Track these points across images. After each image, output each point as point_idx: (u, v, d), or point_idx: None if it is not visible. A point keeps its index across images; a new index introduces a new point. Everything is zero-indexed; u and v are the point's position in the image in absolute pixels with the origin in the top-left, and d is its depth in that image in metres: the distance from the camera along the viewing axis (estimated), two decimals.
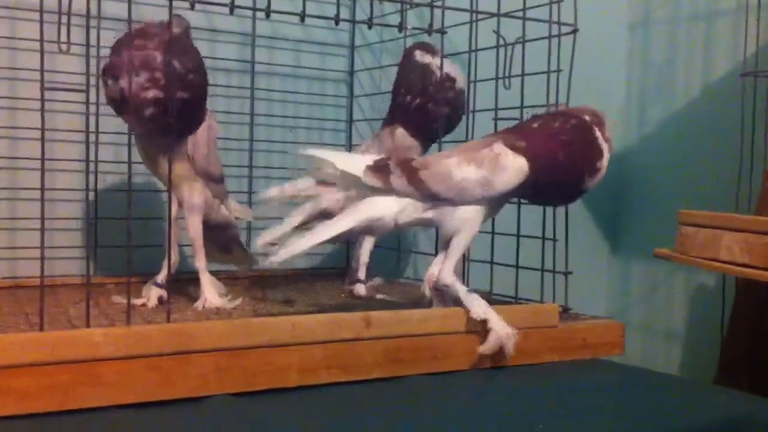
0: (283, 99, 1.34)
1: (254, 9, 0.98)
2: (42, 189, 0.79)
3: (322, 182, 1.18)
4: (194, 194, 1.03)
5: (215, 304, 1.01)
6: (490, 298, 1.07)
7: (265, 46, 1.31)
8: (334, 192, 0.96)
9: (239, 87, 1.29)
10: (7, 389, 0.72)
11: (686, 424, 0.85)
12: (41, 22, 0.77)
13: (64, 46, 0.81)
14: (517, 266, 1.08)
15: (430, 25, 1.04)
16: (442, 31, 1.03)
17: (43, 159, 0.78)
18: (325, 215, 0.97)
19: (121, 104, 0.93)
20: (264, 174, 1.31)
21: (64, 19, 0.81)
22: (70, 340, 0.75)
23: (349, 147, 1.39)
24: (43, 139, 0.78)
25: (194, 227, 1.03)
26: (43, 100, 0.77)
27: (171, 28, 0.91)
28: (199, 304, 1.01)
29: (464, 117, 1.13)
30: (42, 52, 0.77)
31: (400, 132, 1.18)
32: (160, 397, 0.78)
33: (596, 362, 1.05)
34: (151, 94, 0.91)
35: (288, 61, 1.34)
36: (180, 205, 1.03)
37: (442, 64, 1.08)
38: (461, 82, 1.14)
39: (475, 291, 0.99)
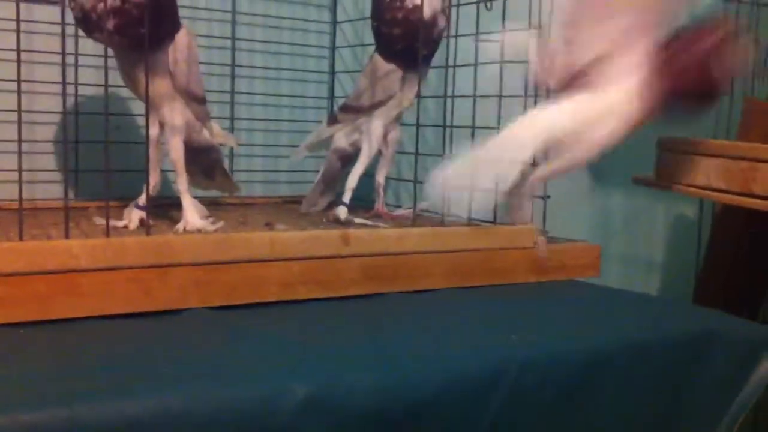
0: (265, 24, 1.33)
1: None
2: (19, 111, 0.78)
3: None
4: (175, 114, 1.02)
5: (196, 226, 1.00)
6: (470, 223, 1.09)
7: None
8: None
9: (220, 10, 1.27)
10: None
11: (662, 336, 0.87)
12: None
13: None
14: (496, 191, 1.08)
15: None
16: None
17: (19, 80, 0.78)
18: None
19: (86, 23, 0.92)
20: (246, 101, 1.30)
21: None
22: (48, 250, 0.75)
23: (332, 74, 1.39)
24: (19, 60, 0.78)
25: (175, 148, 1.03)
26: (18, 19, 0.76)
27: None
28: (180, 226, 1.01)
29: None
30: None
31: (376, 58, 1.16)
32: (139, 308, 0.79)
33: (573, 283, 1.07)
34: (109, 3, 0.89)
35: None
36: (161, 126, 1.03)
37: None
38: (417, 1, 1.09)
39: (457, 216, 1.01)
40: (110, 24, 0.90)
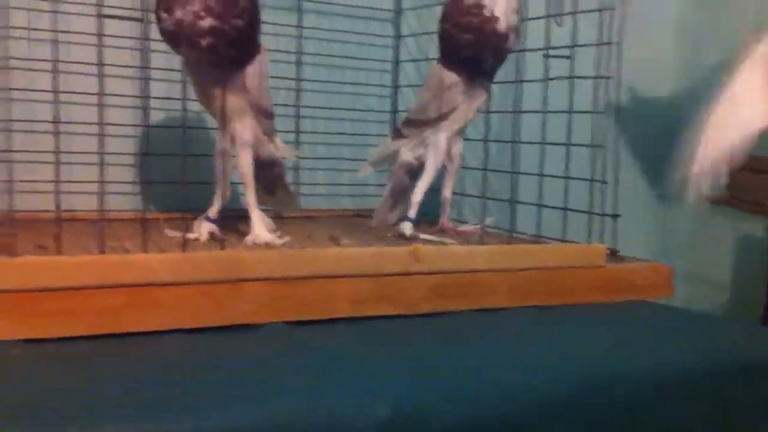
0: (330, 38, 1.34)
1: None
2: (100, 123, 0.80)
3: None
4: (246, 129, 1.03)
5: (264, 240, 1.01)
6: (538, 240, 1.08)
7: None
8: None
9: (286, 26, 1.28)
10: (66, 310, 0.74)
11: (734, 358, 0.85)
12: None
13: None
14: (565, 209, 1.07)
15: None
16: None
17: (101, 94, 0.80)
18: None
19: (176, 36, 0.93)
20: (311, 114, 1.31)
21: None
22: (128, 263, 0.77)
23: (395, 88, 1.39)
24: (100, 73, 0.79)
25: (245, 162, 1.04)
26: (100, 33, 0.78)
27: None
28: (249, 240, 1.02)
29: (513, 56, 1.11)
30: None
31: (439, 68, 1.15)
32: (213, 323, 0.80)
33: (643, 304, 1.05)
34: (207, 23, 0.91)
35: None
36: (231, 140, 1.04)
37: None
38: (495, 10, 1.08)
39: (523, 233, 0.99)
40: (205, 42, 0.92)
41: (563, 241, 1.07)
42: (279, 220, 1.21)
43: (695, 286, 1.57)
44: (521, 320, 0.93)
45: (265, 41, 1.02)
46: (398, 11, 1.39)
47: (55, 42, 0.78)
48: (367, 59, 1.37)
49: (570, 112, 1.07)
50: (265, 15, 1.21)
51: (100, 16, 0.78)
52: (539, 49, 1.07)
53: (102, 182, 0.81)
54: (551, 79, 1.06)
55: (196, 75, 1.01)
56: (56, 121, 0.79)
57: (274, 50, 1.26)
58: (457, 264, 0.92)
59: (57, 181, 0.78)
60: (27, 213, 0.90)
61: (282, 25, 1.26)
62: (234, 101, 1.00)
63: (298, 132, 1.29)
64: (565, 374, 0.77)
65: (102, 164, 0.79)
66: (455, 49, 1.11)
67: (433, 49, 1.18)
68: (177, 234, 0.97)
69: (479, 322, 0.91)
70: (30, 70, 1.05)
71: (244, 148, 1.04)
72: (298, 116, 1.29)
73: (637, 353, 0.85)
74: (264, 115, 1.06)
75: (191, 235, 1.02)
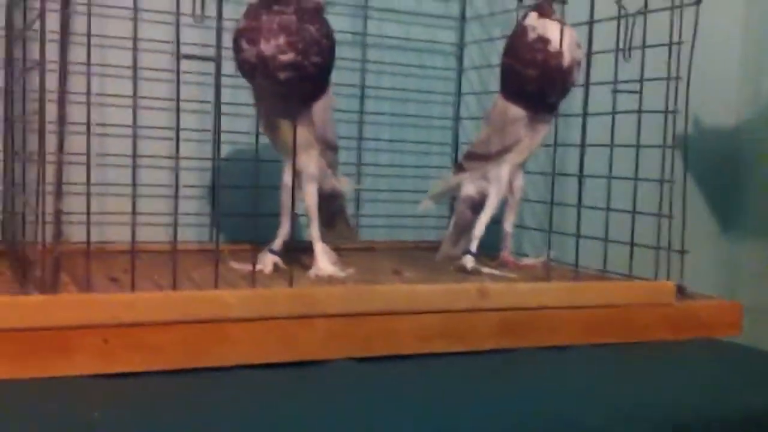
0: (393, 71, 1.35)
1: None
2: (177, 157, 0.82)
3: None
4: (311, 162, 1.04)
5: (328, 272, 1.02)
6: (604, 276, 1.06)
7: (377, 18, 1.32)
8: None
9: (350, 59, 1.30)
10: (141, 345, 0.76)
11: None
12: None
13: (197, 18, 0.84)
14: (632, 243, 1.06)
15: None
16: (562, 1, 1.01)
17: (177, 129, 0.82)
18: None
19: (255, 68, 0.95)
20: (373, 146, 1.32)
21: None
22: (201, 299, 0.78)
23: (457, 121, 1.39)
24: (178, 109, 0.81)
25: (310, 195, 1.05)
26: (178, 71, 0.80)
27: None
28: (312, 272, 1.03)
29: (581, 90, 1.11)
30: (178, 23, 0.80)
31: (501, 102, 1.15)
32: (282, 358, 0.81)
33: (711, 342, 1.03)
34: (288, 57, 0.93)
35: (398, 33, 1.34)
36: (297, 173, 1.05)
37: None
38: (559, 45, 1.07)
39: (586, 267, 0.98)
40: (283, 75, 0.94)
41: (629, 276, 1.05)
42: (340, 251, 1.22)
43: (763, 323, 1.53)
44: (589, 358, 0.92)
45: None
46: (461, 44, 1.39)
47: (133, 78, 0.80)
48: (429, 92, 1.37)
49: (638, 146, 1.06)
50: None
51: (182, 56, 0.80)
52: (607, 83, 1.07)
53: (175, 214, 0.82)
54: (618, 112, 1.06)
55: (266, 108, 1.03)
56: (132, 155, 0.80)
57: (338, 83, 1.28)
58: (524, 301, 0.91)
59: (133, 213, 0.80)
60: (97, 244, 0.92)
61: (345, 59, 1.28)
62: (301, 135, 1.01)
63: (359, 164, 1.30)
64: (636, 415, 0.76)
65: (177, 197, 0.81)
66: (519, 83, 1.11)
67: (495, 82, 1.18)
68: (242, 266, 0.99)
69: (546, 359, 0.90)
70: (103, 105, 1.08)
71: (310, 181, 1.05)
72: (359, 148, 1.31)
73: (708, 394, 0.83)
74: (329, 148, 1.08)
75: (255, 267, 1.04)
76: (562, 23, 1.07)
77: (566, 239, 1.07)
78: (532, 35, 1.08)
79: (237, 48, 0.96)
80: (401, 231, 1.36)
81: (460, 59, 1.39)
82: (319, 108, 1.03)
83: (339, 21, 1.28)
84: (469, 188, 1.19)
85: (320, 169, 1.06)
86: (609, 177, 1.06)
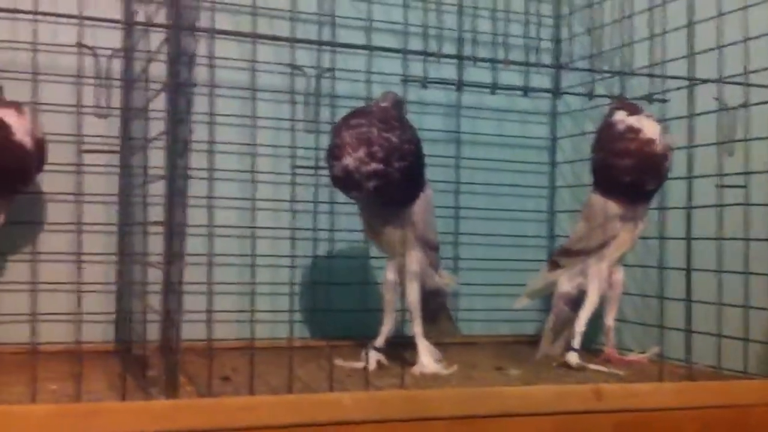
0: (486, 167, 1.36)
1: (481, 85, 1.03)
2: (252, 254, 0.85)
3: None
4: (413, 261, 1.06)
5: (431, 370, 1.03)
6: (719, 373, 1.03)
7: (470, 116, 1.35)
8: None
9: (444, 156, 1.32)
10: None
11: None
12: None
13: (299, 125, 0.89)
14: (746, 339, 1.03)
15: (650, 93, 1.03)
16: (662, 100, 1.02)
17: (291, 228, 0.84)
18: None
19: (344, 182, 1.00)
20: (468, 240, 1.33)
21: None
22: (319, 402, 0.78)
23: (551, 214, 1.39)
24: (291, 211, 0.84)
25: (413, 293, 1.06)
26: (293, 183, 0.83)
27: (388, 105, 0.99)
28: (416, 369, 1.03)
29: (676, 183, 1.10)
30: (294, 132, 0.84)
31: (595, 198, 1.15)
32: None
33: None
34: (372, 167, 0.97)
35: (491, 130, 1.37)
36: (399, 271, 1.07)
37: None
38: (651, 134, 1.08)
39: (696, 363, 0.96)
40: (371, 184, 0.98)
41: (745, 373, 1.02)
42: (439, 345, 1.21)
43: None
44: None
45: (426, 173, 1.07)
46: (553, 139, 1.41)
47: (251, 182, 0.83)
48: (523, 186, 1.38)
49: (746, 239, 1.04)
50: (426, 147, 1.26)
51: (294, 173, 0.83)
52: (710, 175, 1.05)
53: (291, 311, 0.84)
54: (724, 205, 1.04)
55: (366, 213, 1.07)
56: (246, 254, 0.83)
57: (433, 180, 1.30)
58: (640, 402, 0.89)
59: (251, 311, 0.81)
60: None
61: (440, 156, 1.30)
62: (401, 235, 1.04)
63: (456, 258, 1.31)
64: None
65: (292, 294, 0.83)
66: (614, 175, 1.11)
67: (588, 174, 1.19)
68: (346, 364, 1.01)
69: None
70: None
71: (412, 280, 1.06)
72: (456, 243, 1.31)
73: None
74: (430, 247, 1.09)
75: (359, 365, 1.03)
76: (650, 116, 1.08)
77: (670, 332, 1.04)
78: (620, 127, 1.09)
79: (328, 165, 1.01)
80: (498, 325, 1.35)
81: (552, 153, 1.41)
82: (418, 209, 1.06)
83: (433, 120, 1.32)
84: (567, 285, 1.18)
85: (422, 267, 1.07)
86: (718, 271, 1.03)
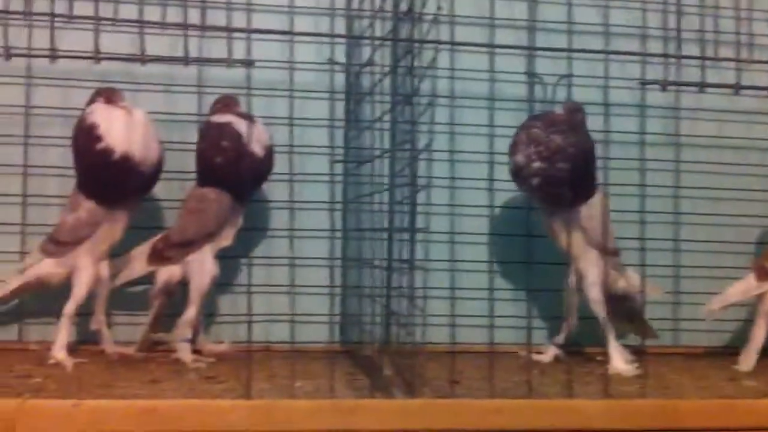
0: (707, 170, 1.31)
1: (683, 83, 1.03)
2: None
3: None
4: (590, 266, 1.10)
5: (620, 370, 1.05)
6: None
7: (690, 117, 1.30)
8: None
9: (662, 160, 1.28)
10: None
11: None
12: None
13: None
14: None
15: None
16: None
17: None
18: None
19: (517, 176, 1.09)
20: (688, 248, 1.28)
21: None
22: (559, 408, 0.79)
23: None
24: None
25: (594, 297, 1.10)
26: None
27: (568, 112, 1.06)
28: (609, 369, 1.06)
29: None
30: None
31: None
32: None
33: None
34: (537, 165, 1.05)
35: (711, 132, 1.31)
36: (579, 275, 1.11)
37: None
38: None
39: None
40: (534, 181, 1.06)
41: None
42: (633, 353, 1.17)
43: None
44: None
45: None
46: None
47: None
48: (746, 190, 1.31)
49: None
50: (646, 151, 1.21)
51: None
52: None
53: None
54: None
55: (543, 213, 1.13)
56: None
57: (651, 185, 1.25)
58: None
59: (490, 316, 0.83)
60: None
61: (658, 160, 1.26)
62: (575, 238, 1.09)
63: (644, 265, 1.25)
64: None
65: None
66: None
67: None
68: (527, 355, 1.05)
69: None
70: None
71: (591, 285, 1.10)
72: (643, 249, 1.25)
73: None
74: (607, 252, 1.11)
75: (538, 357, 1.13)
76: None
77: None
78: None
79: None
80: (696, 335, 1.29)
81: None
82: (586, 215, 1.09)
83: (651, 123, 1.27)
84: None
85: (602, 272, 1.09)
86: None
